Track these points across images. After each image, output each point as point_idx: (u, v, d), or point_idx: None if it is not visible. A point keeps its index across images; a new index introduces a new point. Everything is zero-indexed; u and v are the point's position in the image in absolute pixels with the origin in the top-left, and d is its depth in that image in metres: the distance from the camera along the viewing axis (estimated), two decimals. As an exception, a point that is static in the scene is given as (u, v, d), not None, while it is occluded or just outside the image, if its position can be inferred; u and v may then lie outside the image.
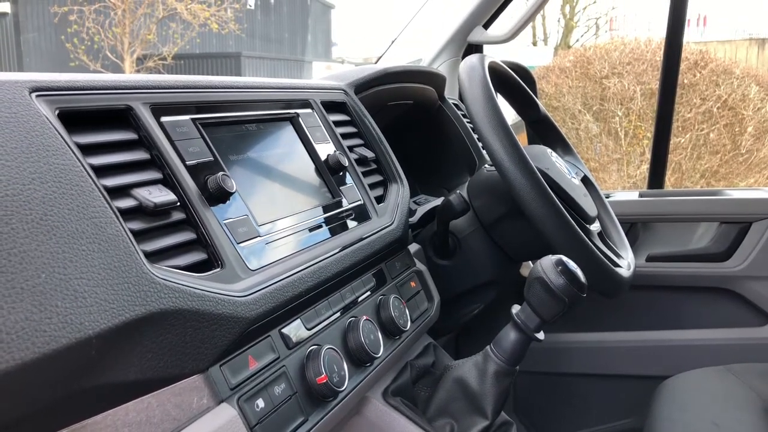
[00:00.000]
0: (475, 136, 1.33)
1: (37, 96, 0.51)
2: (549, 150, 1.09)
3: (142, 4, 9.98)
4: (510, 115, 1.31)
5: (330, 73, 1.07)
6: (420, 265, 0.96)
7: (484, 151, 1.30)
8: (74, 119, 0.53)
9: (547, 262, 0.76)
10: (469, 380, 0.81)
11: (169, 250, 0.55)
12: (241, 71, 11.23)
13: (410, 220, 1.05)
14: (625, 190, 1.77)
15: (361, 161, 0.92)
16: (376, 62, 1.74)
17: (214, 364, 0.56)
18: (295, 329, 0.66)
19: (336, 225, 0.78)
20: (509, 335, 0.79)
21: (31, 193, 0.45)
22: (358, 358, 0.73)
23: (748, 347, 1.43)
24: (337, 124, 0.91)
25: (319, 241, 0.74)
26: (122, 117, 0.59)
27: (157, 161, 0.59)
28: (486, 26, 1.60)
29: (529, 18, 1.59)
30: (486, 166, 1.11)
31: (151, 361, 0.50)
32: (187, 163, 0.61)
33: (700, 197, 1.53)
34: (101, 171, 0.53)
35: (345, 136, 0.91)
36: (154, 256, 0.53)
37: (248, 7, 12.70)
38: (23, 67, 11.00)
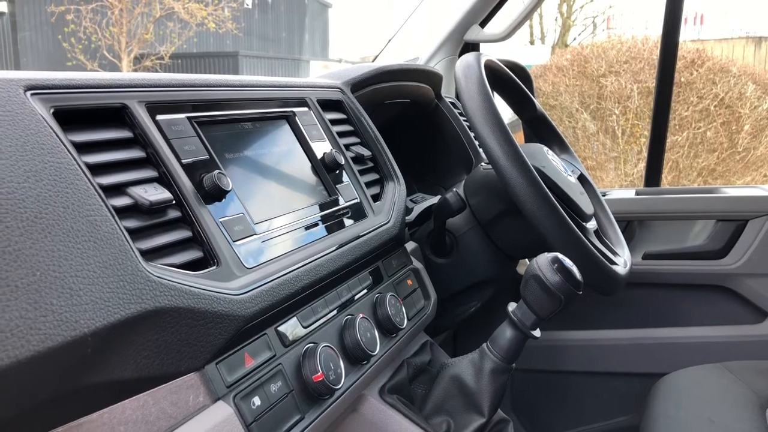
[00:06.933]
0: (472, 135, 1.33)
1: (32, 94, 0.51)
2: (545, 148, 1.09)
3: (139, 3, 9.96)
4: (507, 113, 1.31)
5: (327, 71, 1.07)
6: (417, 263, 0.96)
7: (480, 150, 1.30)
8: (69, 117, 0.53)
9: (544, 259, 0.76)
10: (465, 378, 0.81)
11: (165, 248, 0.55)
12: (239, 70, 11.21)
13: (407, 218, 1.05)
14: (621, 188, 1.77)
15: (358, 159, 0.92)
16: (373, 61, 1.74)
17: (210, 362, 0.56)
18: (292, 327, 0.66)
19: (332, 223, 0.78)
20: (505, 333, 0.80)
21: (26, 191, 0.44)
22: (355, 356, 0.73)
23: (745, 344, 1.43)
24: (334, 122, 0.91)
25: (315, 239, 0.74)
26: (118, 115, 0.59)
27: (152, 159, 0.59)
28: (482, 25, 1.60)
29: (526, 16, 1.59)
30: (482, 164, 1.11)
31: (147, 359, 0.50)
32: (182, 161, 0.61)
33: (697, 195, 1.53)
34: (96, 169, 0.53)
35: (341, 134, 0.91)
36: (149, 254, 0.53)
37: (245, 6, 12.68)
38: (20, 66, 10.97)
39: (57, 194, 0.47)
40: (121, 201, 0.53)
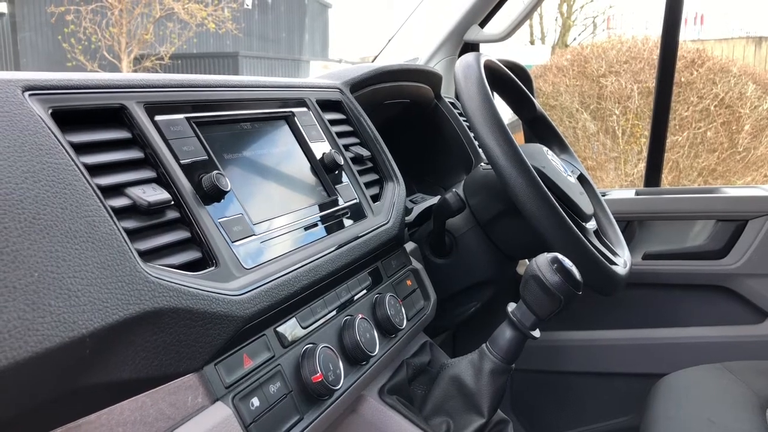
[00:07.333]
0: (472, 135, 1.33)
1: (30, 95, 0.51)
2: (545, 148, 1.09)
3: (139, 3, 9.96)
4: (507, 114, 1.31)
5: (327, 72, 1.07)
6: (416, 264, 0.96)
7: (480, 150, 1.30)
8: (68, 118, 0.53)
9: (543, 260, 0.76)
10: (465, 378, 0.81)
11: (163, 248, 0.55)
12: (239, 71, 11.21)
13: (406, 218, 1.05)
14: (621, 188, 1.77)
15: (357, 160, 0.92)
16: (372, 61, 1.74)
17: (208, 362, 0.56)
18: (291, 328, 0.66)
19: (332, 223, 0.78)
20: (505, 333, 0.80)
21: (24, 192, 0.44)
22: (354, 357, 0.73)
23: (745, 345, 1.43)
24: (333, 122, 0.90)
25: (314, 240, 0.73)
26: (116, 116, 0.59)
27: (151, 160, 0.59)
28: (482, 25, 1.60)
29: (526, 16, 1.59)
30: (482, 164, 1.11)
31: (146, 359, 0.50)
32: (181, 161, 0.61)
33: (697, 195, 1.53)
34: (95, 170, 0.53)
35: (341, 134, 0.91)
36: (148, 255, 0.53)
37: (245, 6, 12.67)
38: (20, 67, 10.98)
39: (55, 195, 0.47)
40: (120, 202, 0.53)
